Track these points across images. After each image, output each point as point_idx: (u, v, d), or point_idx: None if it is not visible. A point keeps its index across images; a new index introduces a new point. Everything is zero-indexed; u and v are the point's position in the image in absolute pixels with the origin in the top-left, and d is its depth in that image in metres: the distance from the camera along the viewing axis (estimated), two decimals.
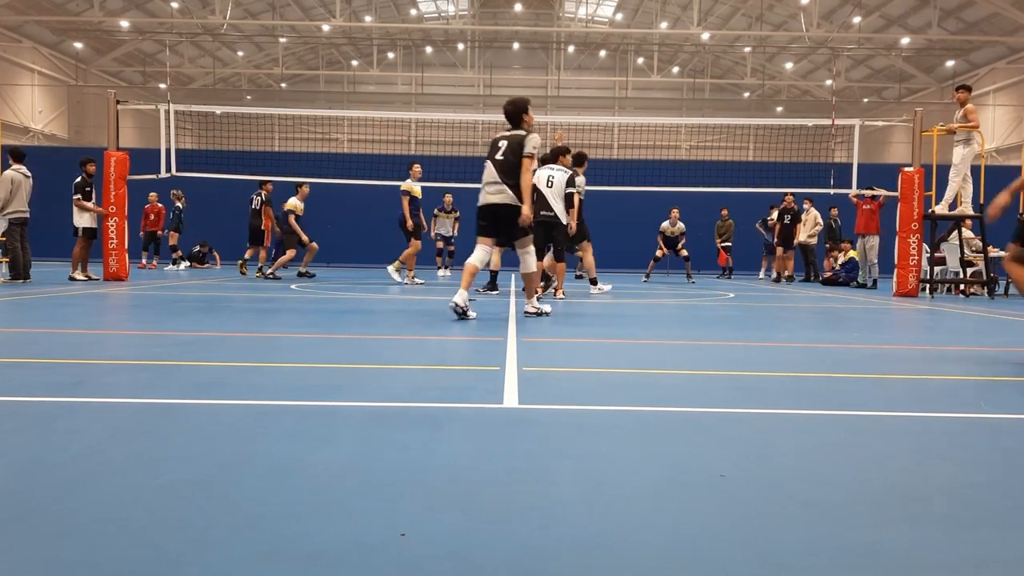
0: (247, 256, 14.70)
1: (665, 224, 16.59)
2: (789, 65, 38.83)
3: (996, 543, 1.67)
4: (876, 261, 14.21)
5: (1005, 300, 11.14)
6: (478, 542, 1.60)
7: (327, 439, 2.44)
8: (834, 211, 17.16)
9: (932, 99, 33.83)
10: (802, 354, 5.03)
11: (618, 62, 40.41)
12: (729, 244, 18.41)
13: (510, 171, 6.26)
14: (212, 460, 2.18)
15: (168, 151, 12.22)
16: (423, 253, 13.03)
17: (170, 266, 16.60)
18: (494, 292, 9.93)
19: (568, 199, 9.31)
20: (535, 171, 7.45)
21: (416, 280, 12.32)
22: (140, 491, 1.90)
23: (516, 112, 6.48)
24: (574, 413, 2.93)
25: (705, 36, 33.78)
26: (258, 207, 14.52)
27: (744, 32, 34.64)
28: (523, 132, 6.45)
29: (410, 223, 12.02)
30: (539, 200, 9.24)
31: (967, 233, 12.24)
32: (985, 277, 11.72)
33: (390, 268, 12.30)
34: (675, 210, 16.48)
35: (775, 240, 17.20)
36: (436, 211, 15.99)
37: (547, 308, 6.73)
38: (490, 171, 6.38)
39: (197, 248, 19.11)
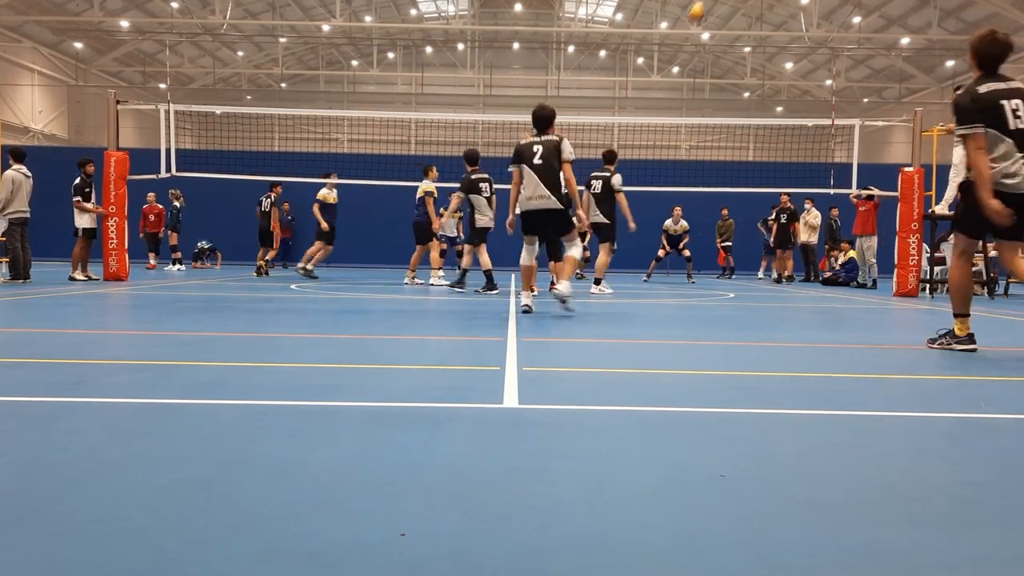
0: (268, 257, 15.10)
1: (668, 222, 16.57)
2: (789, 65, 38.83)
3: (996, 543, 1.67)
4: (874, 261, 14.21)
5: (1005, 300, 11.14)
6: (478, 542, 1.60)
7: (327, 439, 2.44)
8: (834, 211, 17.17)
9: (932, 99, 33.81)
10: (802, 354, 5.03)
11: (618, 62, 40.42)
12: (729, 244, 18.41)
13: (549, 175, 6.65)
14: (212, 460, 2.18)
15: (168, 151, 12.23)
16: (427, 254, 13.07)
17: (170, 266, 16.59)
18: (493, 292, 9.94)
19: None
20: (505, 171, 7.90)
21: (416, 280, 12.31)
22: (140, 491, 1.90)
23: (549, 118, 6.88)
24: (574, 413, 2.93)
25: (705, 36, 33.80)
26: (267, 209, 14.77)
27: (744, 32, 34.64)
28: (555, 137, 6.79)
29: (436, 224, 12.11)
30: None
31: None
32: (985, 277, 11.72)
33: (432, 279, 12.17)
34: (678, 208, 16.46)
35: (771, 240, 17.21)
36: (441, 210, 15.95)
37: (568, 292, 6.89)
38: (533, 178, 6.68)
39: (202, 246, 19.11)
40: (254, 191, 18.06)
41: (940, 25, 29.37)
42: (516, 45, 39.89)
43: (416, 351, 4.72)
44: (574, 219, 7.11)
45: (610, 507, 1.84)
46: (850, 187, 12.40)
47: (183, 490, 1.90)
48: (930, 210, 11.66)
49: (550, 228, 6.91)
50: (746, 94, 41.26)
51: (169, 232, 17.02)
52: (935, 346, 5.11)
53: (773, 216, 17.27)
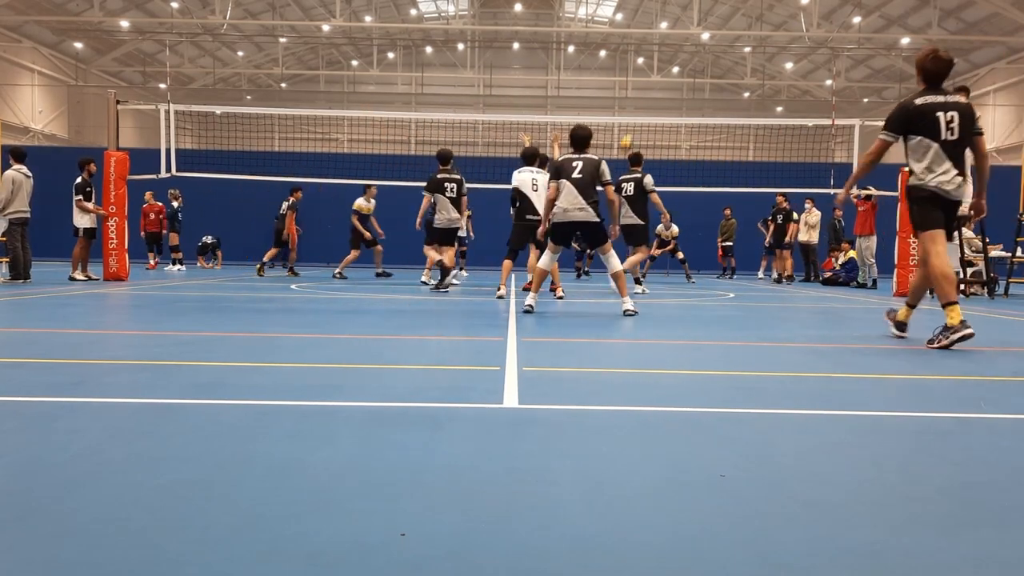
0: (289, 260, 15.60)
1: (659, 227, 16.54)
2: (789, 65, 38.84)
3: (996, 543, 1.67)
4: (874, 261, 14.21)
5: (1005, 300, 11.14)
6: (478, 542, 1.60)
7: (327, 439, 2.44)
8: (838, 212, 17.17)
9: None
10: (802, 354, 5.03)
11: (618, 62, 40.42)
12: (730, 244, 18.42)
13: (587, 191, 7.03)
14: (212, 460, 2.18)
15: (168, 151, 12.24)
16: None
17: (171, 266, 16.59)
18: (446, 290, 10.14)
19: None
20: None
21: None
22: (140, 491, 1.90)
23: (588, 137, 7.28)
24: (574, 413, 2.93)
25: (705, 36, 33.79)
26: (284, 212, 15.00)
27: (744, 32, 34.65)
28: (594, 157, 7.15)
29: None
30: (525, 204, 9.35)
31: (967, 233, 12.24)
32: (985, 277, 11.72)
33: (453, 280, 12.20)
34: (667, 214, 16.40)
35: (768, 240, 17.22)
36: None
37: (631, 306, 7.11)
38: (571, 190, 7.02)
39: (207, 240, 19.12)
40: (254, 191, 18.09)
41: (940, 25, 29.37)
42: (516, 45, 39.89)
43: (416, 351, 4.72)
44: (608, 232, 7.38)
45: (610, 507, 1.84)
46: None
47: (183, 490, 1.90)
48: None
49: (584, 239, 7.28)
50: (746, 94, 41.27)
51: (169, 232, 17.03)
52: (935, 346, 5.15)
53: (771, 216, 17.30)
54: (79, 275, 11.58)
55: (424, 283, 12.00)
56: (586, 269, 17.07)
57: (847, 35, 31.92)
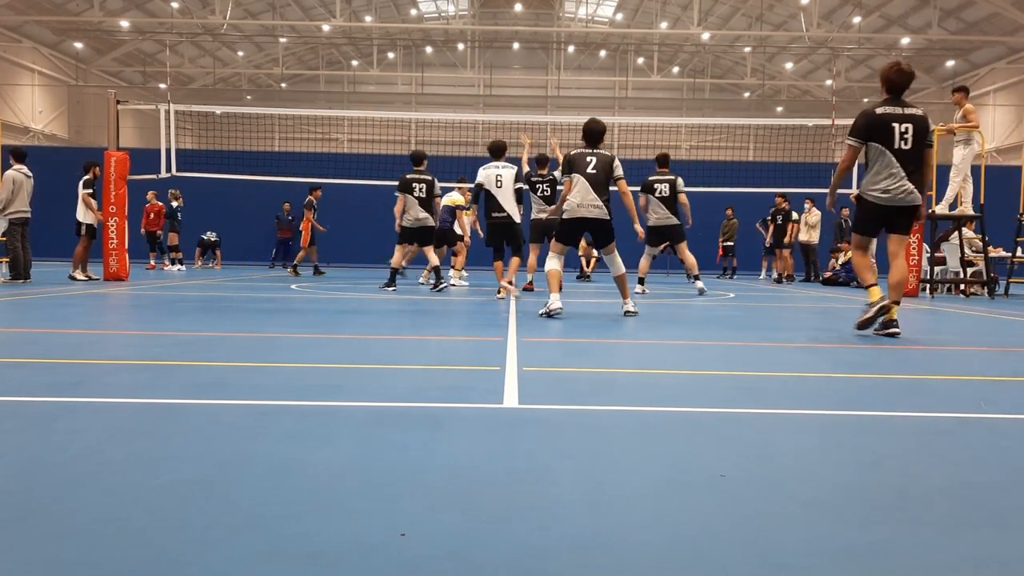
0: (296, 261, 15.70)
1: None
2: (789, 65, 38.83)
3: (996, 543, 1.67)
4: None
5: (1005, 300, 11.14)
6: (478, 542, 1.60)
7: (327, 439, 2.44)
8: (845, 211, 17.16)
9: (932, 99, 33.82)
10: (802, 354, 5.03)
11: (618, 62, 40.42)
12: (731, 244, 18.41)
13: (600, 187, 6.81)
14: (212, 460, 2.18)
15: (168, 151, 12.24)
16: (476, 255, 13.18)
17: (170, 266, 16.58)
18: (390, 289, 10.19)
19: (518, 194, 9.26)
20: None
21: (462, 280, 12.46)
22: (140, 491, 1.90)
23: (602, 132, 7.06)
24: (574, 413, 2.93)
25: (705, 36, 33.79)
26: (301, 212, 15.39)
27: (744, 32, 34.65)
28: (607, 153, 6.97)
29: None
30: (489, 201, 9.21)
31: (968, 233, 12.24)
32: (985, 277, 11.72)
33: (456, 280, 12.20)
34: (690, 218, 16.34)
35: (768, 240, 17.22)
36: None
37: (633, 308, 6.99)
38: (585, 186, 6.79)
39: (208, 237, 19.15)
40: (254, 191, 18.09)
41: (940, 25, 29.37)
42: (516, 45, 39.89)
43: (416, 351, 4.72)
44: (635, 232, 7.29)
45: (610, 507, 1.84)
46: (850, 187, 12.39)
47: (183, 490, 1.90)
48: (930, 210, 11.66)
49: (597, 238, 6.99)
50: (746, 94, 41.26)
51: (168, 232, 17.04)
52: (863, 319, 5.71)
53: (770, 216, 17.29)
54: (79, 275, 11.58)
55: (422, 284, 12.03)
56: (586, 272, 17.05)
57: (847, 35, 31.92)
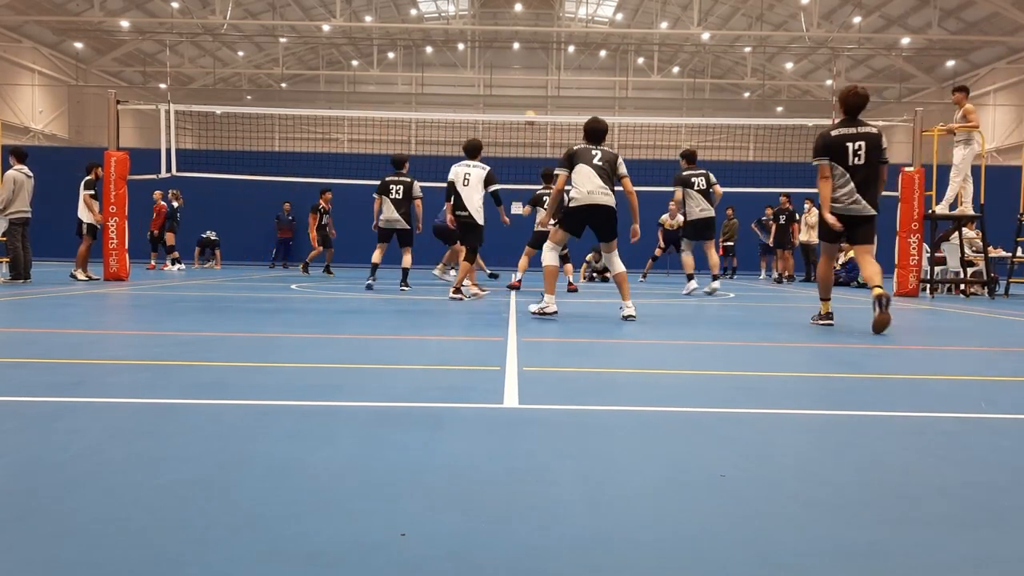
0: (308, 259, 15.98)
1: (664, 217, 16.40)
2: (789, 65, 38.84)
3: (996, 543, 1.67)
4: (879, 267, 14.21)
5: (1005, 300, 11.14)
6: (478, 542, 1.60)
7: (327, 439, 2.44)
8: None
9: (932, 99, 33.83)
10: (802, 354, 5.03)
11: (618, 62, 40.42)
12: (732, 244, 18.41)
13: (606, 179, 6.73)
14: (212, 460, 2.18)
15: (168, 151, 12.24)
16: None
17: (168, 266, 16.56)
18: (369, 287, 10.45)
19: (495, 196, 9.17)
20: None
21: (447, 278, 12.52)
22: (140, 491, 1.90)
23: (605, 131, 7.05)
24: (574, 413, 2.93)
25: (705, 36, 33.79)
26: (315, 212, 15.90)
27: (744, 32, 34.64)
28: (611, 150, 6.93)
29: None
30: (457, 199, 9.07)
31: (968, 233, 12.24)
32: (985, 277, 11.72)
33: (441, 274, 12.32)
34: (674, 204, 16.31)
35: (770, 240, 17.21)
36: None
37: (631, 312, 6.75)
38: (591, 174, 6.68)
39: (209, 236, 19.18)
40: (254, 191, 18.09)
41: (940, 25, 29.37)
42: (516, 45, 39.89)
43: (416, 351, 4.72)
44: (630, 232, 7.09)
45: (610, 507, 1.84)
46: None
47: (183, 490, 1.90)
48: (930, 210, 11.67)
49: (601, 228, 6.80)
50: (746, 94, 41.27)
51: (166, 232, 17.03)
52: (812, 322, 6.67)
53: (767, 217, 17.27)
54: (80, 275, 11.59)
55: (436, 276, 12.17)
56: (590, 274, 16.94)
57: (847, 35, 31.93)
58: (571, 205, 6.77)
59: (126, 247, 11.86)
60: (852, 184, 6.18)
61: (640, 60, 40.71)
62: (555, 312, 6.56)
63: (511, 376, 3.58)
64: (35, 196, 11.08)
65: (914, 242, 11.39)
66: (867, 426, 2.84)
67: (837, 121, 6.42)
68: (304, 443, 2.37)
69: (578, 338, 5.49)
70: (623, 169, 6.88)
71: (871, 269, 6.25)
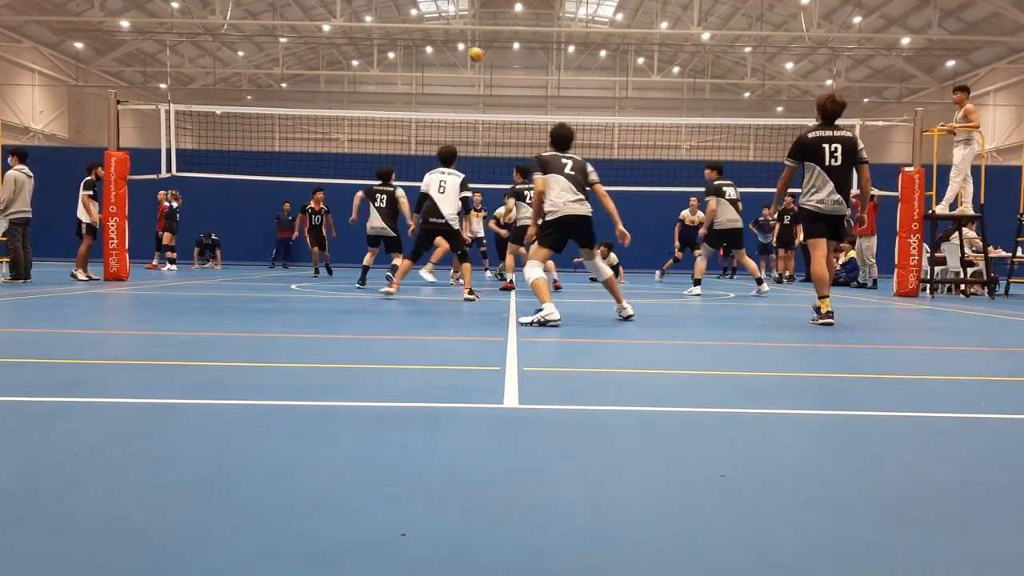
0: (313, 261, 15.95)
1: (685, 212, 16.23)
2: (789, 65, 38.82)
3: (996, 543, 1.67)
4: (874, 261, 14.22)
5: (1005, 300, 11.14)
6: (478, 542, 1.60)
7: (327, 439, 2.44)
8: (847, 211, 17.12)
9: (932, 99, 33.82)
10: (802, 354, 5.03)
11: (618, 62, 40.41)
12: None
13: (580, 188, 6.61)
14: (212, 460, 2.18)
15: (168, 151, 12.23)
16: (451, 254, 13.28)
17: (167, 266, 16.55)
18: (359, 286, 10.58)
19: (464, 202, 9.12)
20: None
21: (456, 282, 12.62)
22: (140, 491, 1.90)
23: (571, 137, 6.89)
24: (574, 413, 2.93)
25: (705, 36, 33.79)
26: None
27: (744, 32, 34.64)
28: (578, 157, 6.80)
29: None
30: (431, 206, 9.00)
31: (969, 233, 12.24)
32: (985, 277, 11.72)
33: (423, 273, 12.39)
34: (694, 199, 16.19)
35: (773, 240, 17.19)
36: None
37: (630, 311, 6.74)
38: (567, 185, 6.54)
39: (211, 237, 19.18)
40: (254, 191, 18.08)
41: (940, 25, 29.36)
42: (516, 45, 39.88)
43: (416, 351, 4.72)
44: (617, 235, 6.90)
45: (610, 507, 1.84)
46: (854, 188, 12.39)
47: (183, 490, 1.90)
48: (931, 210, 11.66)
49: (582, 237, 6.71)
50: (746, 94, 41.25)
51: (164, 232, 17.01)
52: (812, 322, 6.74)
53: (765, 217, 17.27)
54: (80, 275, 11.59)
55: (452, 285, 12.40)
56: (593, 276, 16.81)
57: (847, 35, 31.92)
58: (548, 219, 6.57)
59: (126, 247, 11.86)
60: (832, 184, 6.56)
61: (640, 60, 40.70)
62: (559, 319, 6.12)
63: (511, 376, 3.58)
64: (35, 196, 11.08)
65: (914, 242, 11.39)
66: (867, 426, 2.84)
67: (813, 125, 6.84)
68: (304, 443, 2.37)
69: (578, 338, 5.49)
70: (594, 176, 6.73)
71: (830, 271, 6.82)
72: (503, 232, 13.78)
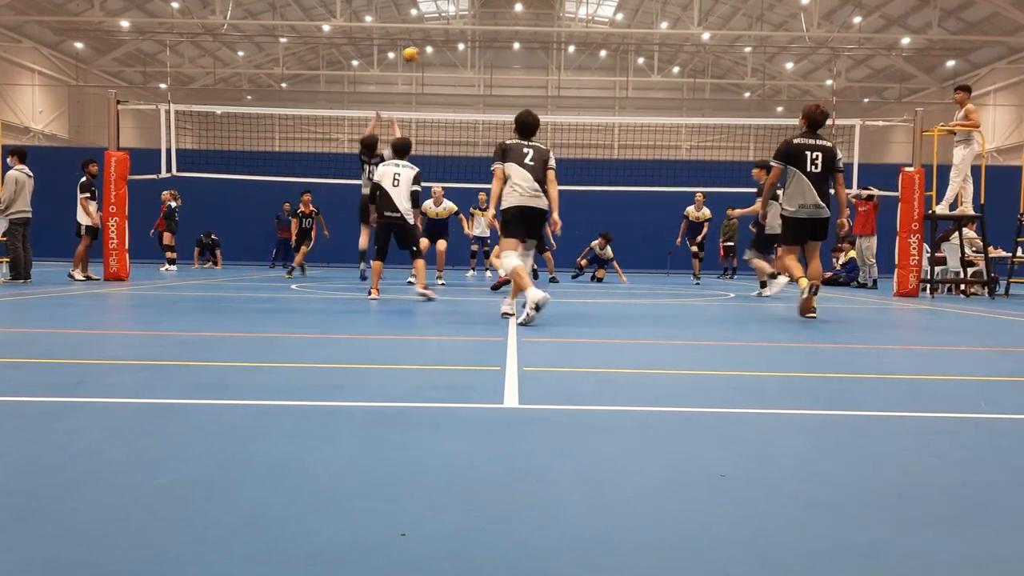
0: (296, 263, 15.44)
1: (690, 208, 16.15)
2: (789, 65, 38.82)
3: (996, 543, 1.67)
4: (874, 261, 14.23)
5: (1005, 300, 11.14)
6: (478, 542, 1.60)
7: (327, 439, 2.44)
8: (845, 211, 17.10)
9: (932, 99, 33.82)
10: (802, 354, 5.03)
11: (618, 62, 40.41)
12: (732, 244, 18.41)
13: (539, 179, 6.56)
14: (212, 460, 2.18)
15: (168, 151, 12.23)
16: (456, 254, 13.30)
17: (165, 266, 16.53)
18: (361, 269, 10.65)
19: (414, 197, 8.79)
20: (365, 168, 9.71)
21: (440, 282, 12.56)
22: (140, 491, 1.90)
23: (536, 125, 6.86)
24: (574, 413, 2.93)
25: (705, 36, 33.79)
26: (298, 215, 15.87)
27: (744, 32, 34.64)
28: (544, 146, 6.73)
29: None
30: (384, 200, 8.71)
31: (969, 232, 12.24)
32: (985, 277, 11.72)
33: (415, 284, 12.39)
34: (700, 195, 16.13)
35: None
36: (472, 210, 15.44)
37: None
38: (525, 175, 6.50)
39: (211, 237, 19.15)
40: (254, 191, 18.09)
41: (940, 25, 29.36)
42: (516, 45, 39.88)
43: (416, 351, 4.72)
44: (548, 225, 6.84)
45: (610, 507, 1.84)
46: (850, 187, 12.40)
47: (183, 490, 1.90)
48: (931, 210, 11.66)
49: (534, 230, 6.67)
50: (746, 94, 41.25)
51: (163, 231, 16.99)
52: (802, 303, 7.22)
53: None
54: (79, 275, 11.58)
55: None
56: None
57: (847, 35, 31.92)
58: (504, 207, 6.58)
59: (126, 247, 11.86)
60: (814, 190, 7.05)
61: (640, 60, 40.70)
62: (548, 298, 6.04)
63: (511, 376, 3.58)
64: (35, 196, 11.08)
65: (914, 242, 11.39)
66: (867, 426, 2.84)
67: (798, 132, 7.29)
68: (304, 443, 2.37)
69: (578, 338, 5.49)
70: (552, 164, 6.67)
71: (818, 269, 7.39)
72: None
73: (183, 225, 17.45)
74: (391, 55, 41.51)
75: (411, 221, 8.81)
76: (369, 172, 10.40)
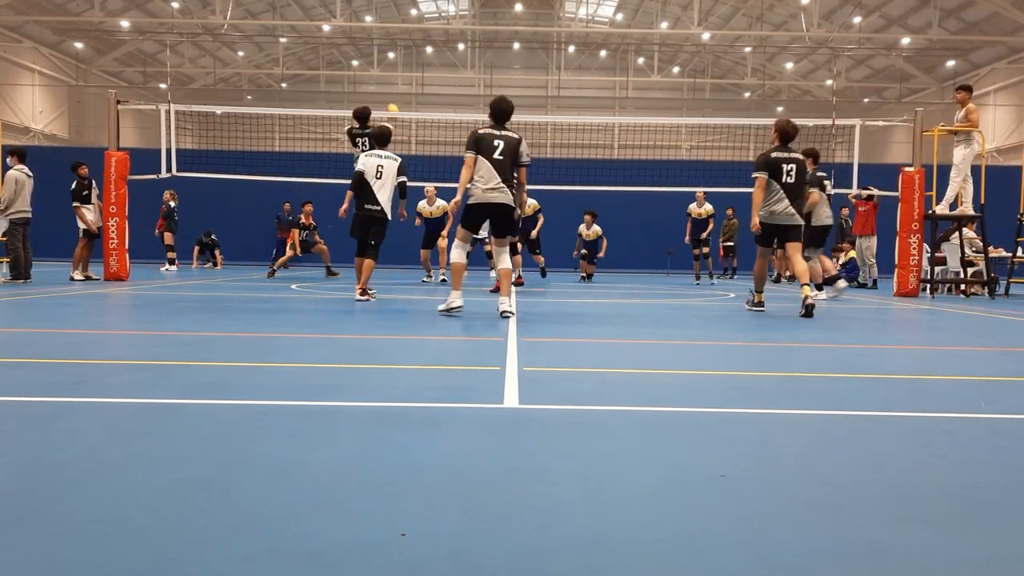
0: (274, 265, 15.32)
1: (692, 206, 16.13)
2: (789, 65, 38.81)
3: (996, 543, 1.67)
4: (874, 261, 14.22)
5: (1005, 300, 11.13)
6: (478, 542, 1.60)
7: (327, 439, 2.44)
8: (844, 211, 17.12)
9: (932, 99, 33.81)
10: (802, 354, 5.03)
11: (618, 62, 40.40)
12: (732, 244, 18.41)
13: (507, 172, 6.58)
14: (212, 460, 2.18)
15: (168, 151, 12.23)
16: (478, 255, 13.32)
17: (165, 266, 16.51)
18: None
19: (401, 188, 8.58)
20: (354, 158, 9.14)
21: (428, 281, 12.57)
22: (140, 491, 1.90)
23: (510, 112, 6.83)
24: (574, 413, 2.93)
25: (705, 36, 33.77)
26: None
27: (744, 32, 34.63)
28: (515, 136, 6.68)
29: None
30: (366, 192, 8.42)
31: (969, 233, 12.24)
32: (985, 277, 11.72)
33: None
34: (701, 192, 16.06)
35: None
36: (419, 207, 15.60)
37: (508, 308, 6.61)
38: (490, 170, 6.52)
39: (211, 237, 19.15)
40: (254, 191, 18.08)
41: (940, 25, 29.35)
42: (516, 45, 39.87)
43: (416, 351, 4.72)
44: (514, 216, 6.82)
45: (610, 507, 1.84)
46: (850, 187, 12.40)
47: (183, 490, 1.90)
48: (931, 210, 11.66)
49: (499, 225, 6.69)
50: (746, 94, 41.24)
51: (163, 232, 16.97)
52: (747, 307, 8.13)
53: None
54: (78, 275, 11.58)
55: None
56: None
57: (847, 35, 31.91)
58: (470, 202, 6.60)
59: (126, 247, 11.86)
60: (787, 200, 7.65)
61: (640, 60, 40.69)
62: (460, 307, 6.48)
63: (511, 376, 3.58)
64: (35, 196, 11.07)
65: (914, 242, 11.39)
66: (867, 426, 2.84)
67: (774, 145, 7.83)
68: (304, 443, 2.37)
69: (578, 338, 5.49)
70: (525, 158, 6.69)
71: (800, 266, 7.76)
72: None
73: (183, 225, 17.44)
74: (391, 55, 41.52)
75: (388, 216, 8.50)
76: (361, 145, 10.11)
